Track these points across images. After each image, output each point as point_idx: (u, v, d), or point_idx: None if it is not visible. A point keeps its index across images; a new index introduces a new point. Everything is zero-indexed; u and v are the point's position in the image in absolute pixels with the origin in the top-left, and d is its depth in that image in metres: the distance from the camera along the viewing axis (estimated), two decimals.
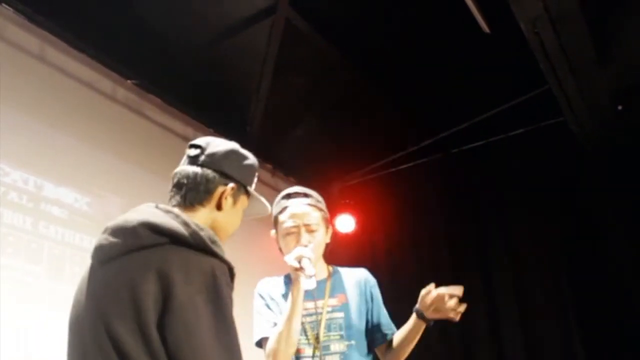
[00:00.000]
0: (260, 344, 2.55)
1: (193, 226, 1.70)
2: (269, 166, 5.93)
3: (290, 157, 5.97)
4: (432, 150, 5.82)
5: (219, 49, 4.69)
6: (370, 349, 2.66)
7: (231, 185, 1.93)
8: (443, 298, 2.41)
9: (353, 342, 2.56)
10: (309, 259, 2.44)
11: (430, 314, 2.44)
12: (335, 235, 6.08)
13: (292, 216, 2.64)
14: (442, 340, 5.22)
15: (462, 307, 2.46)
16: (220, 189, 1.91)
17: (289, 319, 2.43)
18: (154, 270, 1.59)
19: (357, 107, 5.39)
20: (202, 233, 1.70)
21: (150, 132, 4.76)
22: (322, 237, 2.67)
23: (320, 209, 2.70)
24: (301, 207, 2.66)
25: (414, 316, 2.50)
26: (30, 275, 3.69)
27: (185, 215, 1.76)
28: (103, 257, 1.72)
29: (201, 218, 1.85)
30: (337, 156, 5.87)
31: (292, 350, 2.45)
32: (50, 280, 3.73)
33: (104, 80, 4.47)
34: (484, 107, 5.28)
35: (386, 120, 5.53)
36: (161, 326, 1.54)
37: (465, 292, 2.46)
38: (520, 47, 4.09)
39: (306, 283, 2.43)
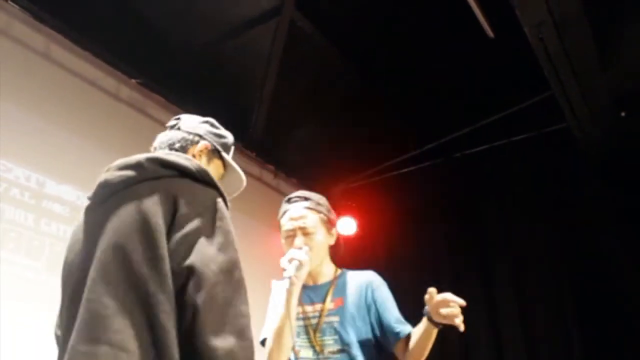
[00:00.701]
0: (264, 343, 2.55)
1: (197, 162, 1.83)
2: (271, 167, 5.94)
3: (293, 159, 5.98)
4: (434, 154, 5.82)
5: (223, 49, 4.69)
6: (382, 352, 2.62)
7: (204, 142, 2.05)
8: (447, 303, 2.40)
9: (347, 346, 2.53)
10: (300, 260, 2.44)
11: (437, 318, 2.43)
12: (337, 237, 6.12)
13: (290, 219, 2.66)
14: (441, 351, 5.22)
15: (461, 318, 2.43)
16: (193, 147, 2.03)
17: (279, 324, 2.44)
18: (165, 195, 1.69)
19: (360, 110, 5.40)
20: (205, 168, 1.82)
21: (153, 130, 4.70)
22: (322, 239, 2.66)
23: (319, 212, 2.71)
24: (299, 210, 2.68)
25: (424, 319, 2.49)
26: (31, 271, 3.71)
27: (188, 156, 1.89)
28: (108, 192, 1.80)
29: None
30: (340, 159, 5.87)
31: (286, 351, 2.44)
32: (51, 276, 3.74)
33: (108, 79, 4.48)
34: (487, 112, 5.29)
35: (389, 124, 5.54)
36: (169, 243, 1.62)
37: (465, 297, 2.45)
38: (524, 52, 4.09)
39: (283, 283, 2.46)
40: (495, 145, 5.53)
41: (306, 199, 2.73)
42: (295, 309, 2.47)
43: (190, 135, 2.06)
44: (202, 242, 1.63)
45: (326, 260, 2.73)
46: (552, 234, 5.32)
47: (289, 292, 2.44)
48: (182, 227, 1.64)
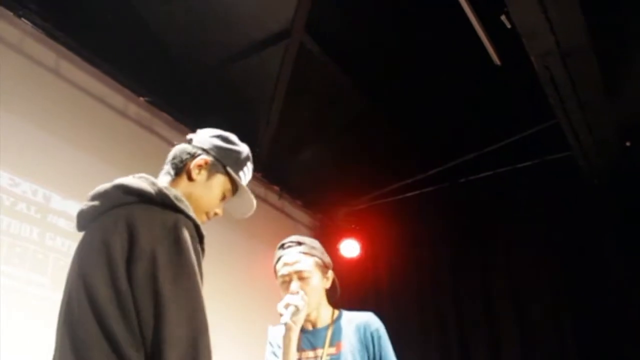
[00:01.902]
0: None
1: (159, 185, 1.80)
2: (276, 189, 5.95)
3: (298, 180, 5.99)
4: (439, 179, 5.83)
5: (232, 70, 4.72)
6: None
7: (202, 157, 1.99)
8: None
9: None
10: (296, 306, 2.49)
11: None
12: (340, 260, 6.13)
13: (285, 265, 2.67)
14: None
15: None
16: (191, 161, 1.98)
17: None
18: (123, 224, 1.68)
19: (366, 133, 5.41)
20: (166, 191, 1.78)
21: (160, 148, 4.75)
22: (317, 283, 2.66)
23: (313, 255, 2.70)
24: (293, 255, 2.68)
25: None
26: (35, 286, 3.71)
27: (155, 179, 1.87)
28: (84, 222, 1.85)
29: (179, 189, 1.91)
30: (345, 181, 5.88)
31: None
32: (55, 291, 3.74)
33: (116, 96, 4.50)
34: (492, 139, 5.30)
35: (394, 148, 5.55)
36: (128, 274, 1.61)
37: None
38: (530, 80, 4.12)
39: (280, 329, 2.50)
40: (500, 172, 5.54)
41: (300, 243, 2.73)
42: (294, 355, 2.51)
43: (194, 149, 2.01)
44: (155, 273, 1.60)
45: (323, 304, 2.73)
46: (554, 261, 5.32)
47: (288, 338, 2.49)
48: (140, 257, 1.62)
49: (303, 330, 2.63)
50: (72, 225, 4.02)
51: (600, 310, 4.93)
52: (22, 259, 3.68)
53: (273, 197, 5.97)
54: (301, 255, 2.68)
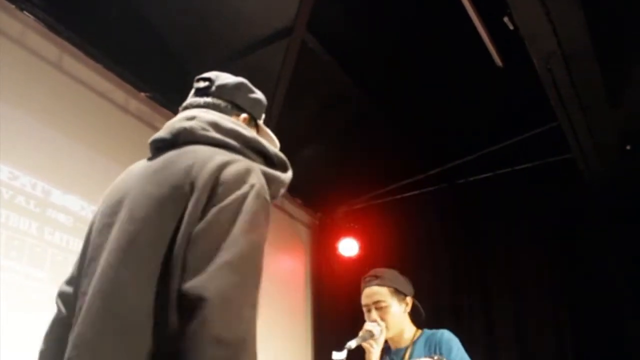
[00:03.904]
0: None
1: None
2: None
3: (298, 178, 5.97)
4: (438, 179, 5.84)
5: (233, 67, 4.69)
6: None
7: (244, 115, 1.91)
8: None
9: None
10: (369, 331, 2.83)
11: None
12: (339, 258, 6.14)
13: (365, 297, 3.01)
14: None
15: None
16: (232, 119, 1.84)
17: None
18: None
19: (366, 133, 5.42)
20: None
21: None
22: (396, 309, 2.96)
23: (389, 286, 3.00)
24: (370, 288, 3.02)
25: None
26: (33, 280, 3.71)
27: None
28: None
29: None
30: (344, 180, 5.89)
31: None
32: (52, 285, 3.74)
33: (118, 91, 4.51)
34: (492, 140, 5.31)
35: (394, 148, 5.55)
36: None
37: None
38: (532, 82, 4.12)
39: (342, 353, 2.74)
40: (499, 173, 5.54)
41: (376, 277, 3.05)
42: None
43: (228, 106, 1.90)
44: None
45: (406, 325, 3.01)
46: (553, 263, 5.33)
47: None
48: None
49: (389, 350, 2.97)
50: (71, 220, 4.05)
51: (599, 311, 4.93)
52: (20, 252, 3.68)
53: None
54: (377, 287, 3.00)
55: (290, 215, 6.28)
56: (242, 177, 1.56)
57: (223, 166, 1.56)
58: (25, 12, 3.85)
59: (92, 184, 4.17)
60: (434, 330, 2.98)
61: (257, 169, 1.65)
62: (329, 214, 6.59)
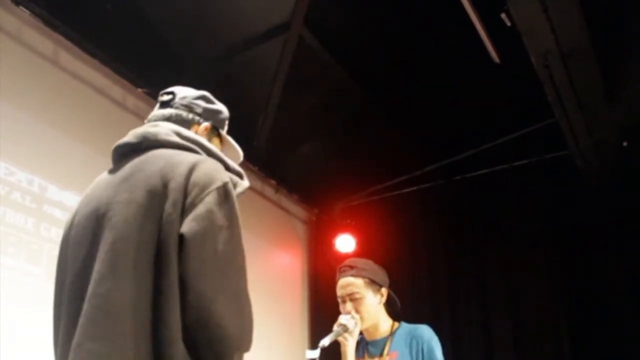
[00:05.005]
0: None
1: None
2: (273, 182, 5.95)
3: (295, 174, 5.99)
4: (435, 175, 5.84)
5: (231, 62, 4.71)
6: None
7: (205, 124, 1.97)
8: None
9: None
10: (343, 325, 2.80)
11: None
12: (335, 255, 6.14)
13: (339, 288, 2.98)
14: None
15: None
16: (194, 128, 1.94)
17: None
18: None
19: (364, 128, 5.41)
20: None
21: None
22: (370, 301, 2.93)
23: (363, 277, 2.96)
24: (345, 279, 2.98)
25: None
26: (29, 276, 3.70)
27: None
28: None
29: None
30: (341, 176, 5.88)
31: None
32: (49, 282, 3.73)
33: (115, 87, 4.49)
34: (490, 136, 5.31)
35: (391, 144, 5.55)
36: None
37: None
38: (529, 78, 4.11)
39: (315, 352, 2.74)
40: (496, 170, 5.55)
41: (351, 267, 3.00)
42: None
43: (190, 115, 1.96)
44: None
45: (382, 317, 2.99)
46: (551, 260, 5.33)
47: (343, 353, 2.79)
48: None
49: (366, 341, 2.97)
50: (67, 215, 4.02)
51: (598, 310, 4.94)
52: (16, 248, 3.67)
53: (269, 191, 5.97)
54: (352, 278, 2.96)
55: (287, 212, 6.27)
56: (213, 175, 1.65)
57: (194, 166, 1.65)
58: (21, 7, 3.83)
59: (89, 180, 4.14)
60: (414, 325, 2.97)
61: (223, 167, 1.75)
62: (326, 210, 6.58)
